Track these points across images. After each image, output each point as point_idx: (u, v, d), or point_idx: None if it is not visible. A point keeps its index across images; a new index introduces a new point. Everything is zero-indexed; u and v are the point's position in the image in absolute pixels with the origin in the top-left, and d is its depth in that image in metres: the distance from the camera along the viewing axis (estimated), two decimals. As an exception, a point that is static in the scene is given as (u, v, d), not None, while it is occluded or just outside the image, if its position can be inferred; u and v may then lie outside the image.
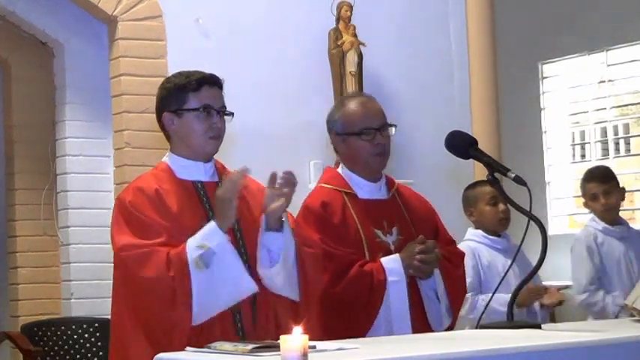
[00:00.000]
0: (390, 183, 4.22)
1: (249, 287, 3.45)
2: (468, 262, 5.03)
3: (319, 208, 4.00)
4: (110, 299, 3.59)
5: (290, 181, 3.51)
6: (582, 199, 5.70)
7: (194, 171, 3.62)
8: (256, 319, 3.53)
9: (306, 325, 3.49)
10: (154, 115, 3.70)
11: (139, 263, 3.41)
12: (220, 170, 3.71)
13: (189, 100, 3.59)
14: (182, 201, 3.55)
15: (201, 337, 3.33)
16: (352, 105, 4.12)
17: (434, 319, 4.04)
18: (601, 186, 5.50)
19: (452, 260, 4.15)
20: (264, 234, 3.55)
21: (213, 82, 3.62)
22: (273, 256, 3.54)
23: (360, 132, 4.06)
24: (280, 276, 3.54)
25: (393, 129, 4.12)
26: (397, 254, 4.01)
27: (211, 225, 3.44)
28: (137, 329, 3.43)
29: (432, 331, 4.01)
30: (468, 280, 4.98)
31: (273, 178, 3.51)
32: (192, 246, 3.40)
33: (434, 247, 4.00)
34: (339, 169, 4.21)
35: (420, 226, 4.14)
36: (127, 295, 3.48)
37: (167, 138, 3.70)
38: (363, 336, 3.79)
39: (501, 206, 5.12)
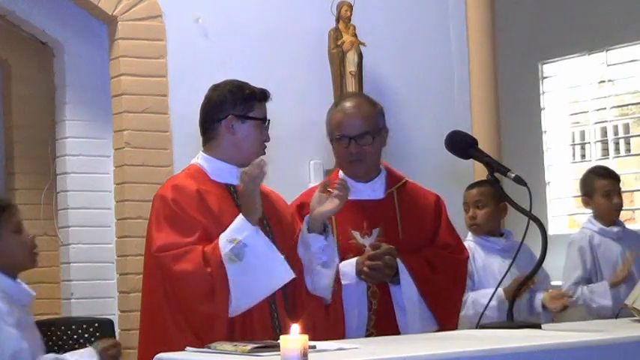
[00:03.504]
0: (390, 182, 4.21)
1: (286, 274, 3.55)
2: None
3: (295, 209, 4.04)
4: (110, 299, 3.62)
5: (344, 186, 3.68)
6: (583, 196, 5.66)
7: (228, 174, 3.74)
8: (291, 316, 3.62)
9: (336, 324, 3.64)
10: (154, 115, 3.75)
11: (175, 260, 3.50)
12: None
13: (255, 109, 3.74)
14: (221, 202, 3.66)
15: (242, 331, 3.46)
16: (336, 110, 4.19)
17: (402, 325, 4.01)
18: (616, 185, 5.51)
19: (434, 264, 4.09)
20: (306, 234, 3.67)
21: (268, 96, 3.80)
22: (312, 256, 3.66)
23: (336, 139, 4.13)
24: (329, 278, 3.68)
25: (370, 138, 4.10)
26: (355, 258, 4.01)
27: (239, 219, 3.54)
28: (179, 322, 3.51)
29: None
30: None
31: (325, 182, 3.72)
32: (224, 241, 3.50)
33: (384, 254, 3.98)
34: (340, 171, 4.24)
35: (412, 228, 4.13)
36: (166, 293, 3.55)
37: (208, 138, 3.77)
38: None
39: (471, 211, 5.13)
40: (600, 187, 5.53)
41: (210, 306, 3.45)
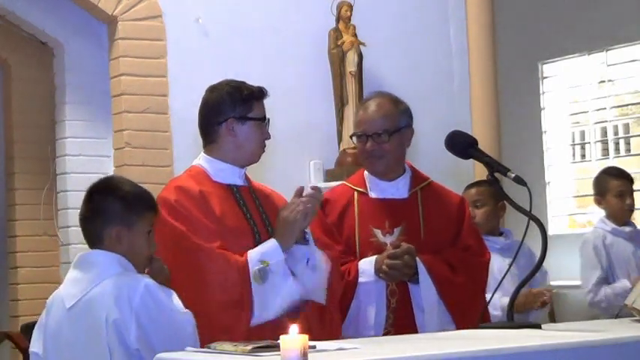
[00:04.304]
0: (415, 182, 4.22)
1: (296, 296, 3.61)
2: None
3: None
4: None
5: (315, 196, 3.66)
6: (596, 196, 5.66)
7: (230, 175, 3.75)
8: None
9: (331, 326, 3.64)
10: (154, 115, 3.75)
11: (209, 258, 3.53)
12: (246, 175, 3.83)
13: (254, 109, 3.74)
14: (223, 203, 3.67)
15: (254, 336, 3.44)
16: (359, 108, 4.27)
17: (420, 324, 4.02)
18: (629, 185, 5.52)
19: (454, 265, 4.09)
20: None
21: (265, 94, 3.81)
22: (296, 264, 3.67)
23: (356, 136, 4.17)
24: (320, 280, 3.71)
25: (385, 135, 4.12)
26: (375, 256, 4.02)
27: (274, 243, 3.60)
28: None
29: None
30: None
31: (299, 191, 3.67)
32: (254, 259, 3.56)
33: (404, 254, 3.99)
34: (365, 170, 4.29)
35: (434, 228, 4.13)
36: (186, 287, 3.52)
37: (209, 140, 3.77)
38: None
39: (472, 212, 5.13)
40: (613, 188, 5.54)
41: (235, 316, 3.51)
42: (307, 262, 3.68)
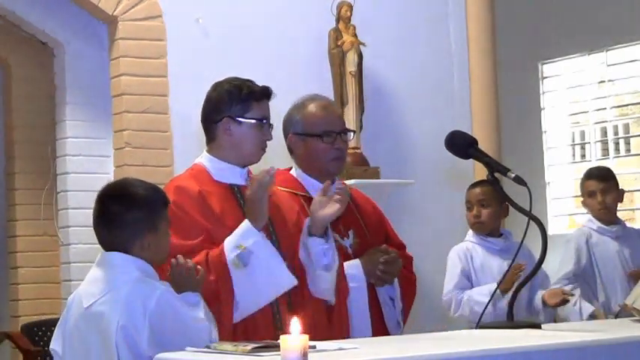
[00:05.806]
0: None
1: (288, 281, 3.56)
2: (456, 263, 5.05)
3: None
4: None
5: (345, 191, 3.68)
6: (581, 198, 5.72)
7: (231, 174, 3.72)
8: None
9: (340, 326, 3.64)
10: (154, 115, 3.74)
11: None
12: (250, 174, 3.79)
13: (253, 109, 3.70)
14: (223, 203, 3.65)
15: (245, 332, 3.47)
16: (314, 107, 4.11)
17: (390, 322, 4.08)
18: (599, 184, 5.53)
19: (405, 265, 4.19)
20: (307, 238, 3.66)
21: (269, 94, 3.75)
22: (314, 260, 3.66)
23: (322, 134, 4.05)
24: (330, 282, 3.69)
25: (352, 134, 4.15)
26: (358, 260, 4.04)
27: (245, 224, 3.53)
28: None
29: (388, 333, 4.06)
30: (454, 281, 5.01)
31: (326, 187, 3.68)
32: (230, 247, 3.50)
33: (397, 259, 4.05)
34: (293, 171, 4.17)
35: (373, 230, 4.20)
36: None
37: (210, 138, 3.76)
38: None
39: (475, 210, 5.11)
40: (585, 189, 5.59)
41: (216, 311, 3.44)
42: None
